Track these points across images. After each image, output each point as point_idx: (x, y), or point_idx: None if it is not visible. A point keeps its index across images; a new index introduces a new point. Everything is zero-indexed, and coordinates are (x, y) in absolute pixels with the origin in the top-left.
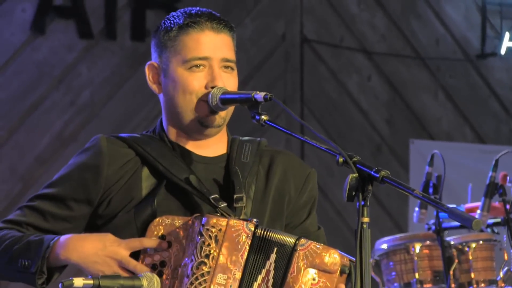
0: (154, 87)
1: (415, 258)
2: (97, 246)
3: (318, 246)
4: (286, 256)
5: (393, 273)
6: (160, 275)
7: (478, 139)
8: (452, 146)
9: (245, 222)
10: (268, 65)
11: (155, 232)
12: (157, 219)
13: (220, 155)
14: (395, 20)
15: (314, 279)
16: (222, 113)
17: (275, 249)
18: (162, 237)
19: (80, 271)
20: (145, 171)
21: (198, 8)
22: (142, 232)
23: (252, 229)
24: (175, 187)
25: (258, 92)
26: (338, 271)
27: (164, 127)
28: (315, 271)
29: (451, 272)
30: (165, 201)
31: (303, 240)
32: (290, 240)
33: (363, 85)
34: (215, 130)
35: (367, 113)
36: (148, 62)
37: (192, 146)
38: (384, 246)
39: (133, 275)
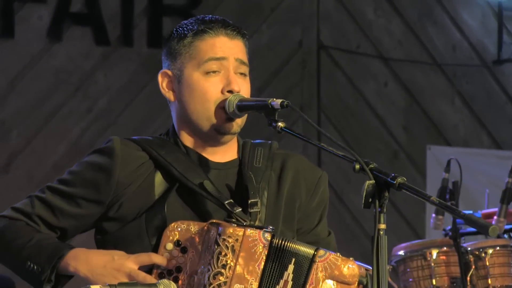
0: (168, 95)
1: (432, 264)
2: (105, 259)
3: (337, 257)
4: (305, 267)
5: (410, 279)
6: (175, 280)
7: (495, 145)
8: (469, 152)
9: (261, 232)
10: (284, 72)
11: (170, 237)
12: (173, 224)
13: (232, 160)
14: (412, 26)
15: None
16: (239, 121)
17: (293, 259)
18: (178, 243)
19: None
20: (158, 176)
21: (211, 15)
22: (152, 238)
23: (269, 239)
24: (187, 192)
25: (274, 99)
26: (357, 283)
27: (177, 133)
28: (334, 282)
29: (468, 278)
30: (175, 207)
31: (321, 251)
32: (308, 251)
33: (380, 92)
34: (230, 137)
35: (384, 120)
36: (161, 70)
37: (205, 152)
38: (401, 252)
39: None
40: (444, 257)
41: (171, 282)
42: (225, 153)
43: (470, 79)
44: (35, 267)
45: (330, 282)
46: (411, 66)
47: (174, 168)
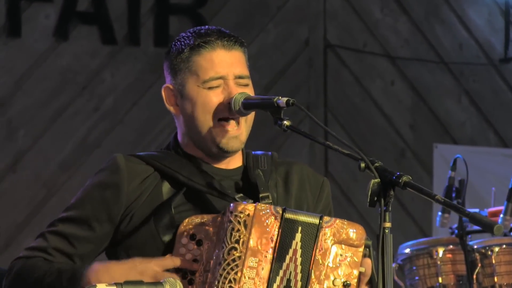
0: (171, 109)
1: (438, 262)
2: (127, 266)
3: (343, 221)
4: (313, 234)
5: (416, 278)
6: (193, 274)
7: (501, 143)
8: (475, 151)
9: (272, 206)
10: (291, 71)
11: (185, 232)
12: (186, 219)
13: (237, 167)
14: (418, 25)
15: (341, 255)
16: (242, 137)
17: (299, 228)
18: (193, 236)
19: None
20: (166, 185)
21: (207, 26)
22: (164, 236)
23: (280, 212)
24: (195, 195)
25: (280, 97)
26: (364, 245)
27: (181, 142)
28: (342, 246)
29: (474, 276)
30: (183, 206)
31: (326, 218)
32: (314, 219)
33: (387, 90)
34: (232, 154)
35: (391, 118)
36: (164, 85)
37: (209, 161)
38: (407, 250)
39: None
40: (450, 255)
41: (177, 280)
42: (229, 162)
43: (477, 78)
44: None
45: (338, 246)
46: (418, 64)
47: (180, 174)
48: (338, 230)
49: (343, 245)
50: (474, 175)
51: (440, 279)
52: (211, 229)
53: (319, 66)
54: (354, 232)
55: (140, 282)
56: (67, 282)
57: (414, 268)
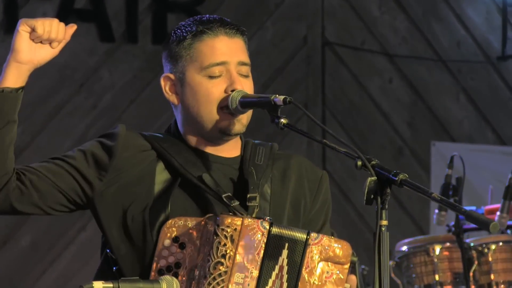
0: (171, 99)
1: (435, 260)
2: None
3: (330, 239)
4: (300, 251)
5: (413, 275)
6: (175, 276)
7: (499, 141)
8: (473, 148)
9: (259, 221)
10: (289, 68)
11: (168, 234)
12: (170, 221)
13: (235, 156)
14: (416, 22)
15: (327, 272)
16: (243, 120)
17: (286, 244)
18: (176, 239)
19: None
20: (160, 166)
21: (208, 15)
22: (154, 234)
23: (267, 227)
24: (190, 184)
25: (277, 95)
26: (349, 262)
27: (180, 132)
28: (328, 263)
29: (471, 274)
30: (179, 200)
31: (314, 235)
32: (301, 235)
33: (385, 88)
34: (234, 137)
35: (389, 116)
36: (163, 74)
37: (208, 149)
38: (404, 248)
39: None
40: (447, 253)
41: (174, 278)
42: (228, 150)
43: (475, 75)
44: None
45: (325, 263)
46: (415, 62)
47: (175, 160)
48: (325, 248)
49: (329, 263)
50: (472, 172)
51: (437, 277)
52: (194, 232)
53: (317, 64)
54: (340, 249)
55: (137, 280)
56: None
57: (411, 265)
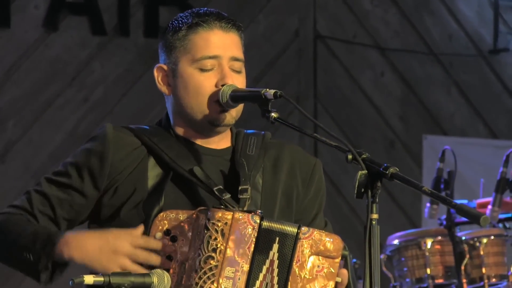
0: (163, 89)
1: (427, 253)
2: (100, 242)
3: (321, 233)
4: (290, 245)
5: (405, 269)
6: (166, 270)
7: (491, 134)
8: (465, 142)
9: (250, 215)
10: (281, 62)
11: (160, 227)
12: (161, 213)
13: (226, 148)
14: (408, 16)
15: (318, 266)
16: (233, 112)
17: (277, 238)
18: (167, 232)
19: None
20: (151, 161)
21: (206, 8)
22: (147, 227)
23: (258, 221)
24: (181, 178)
25: (268, 89)
26: (340, 256)
27: (171, 122)
28: (319, 257)
29: (463, 268)
30: (172, 194)
31: (305, 229)
32: (292, 229)
33: (376, 81)
34: (224, 128)
35: (380, 109)
36: (157, 65)
37: (199, 141)
38: (396, 241)
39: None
40: (438, 247)
41: (165, 272)
42: (219, 141)
43: (467, 69)
44: (31, 257)
45: (316, 257)
46: (407, 56)
47: (165, 154)
48: (316, 242)
49: (320, 257)
50: (464, 166)
51: (428, 270)
52: (186, 225)
53: (309, 57)
54: (331, 243)
55: (128, 274)
56: (40, 246)
57: (403, 259)
